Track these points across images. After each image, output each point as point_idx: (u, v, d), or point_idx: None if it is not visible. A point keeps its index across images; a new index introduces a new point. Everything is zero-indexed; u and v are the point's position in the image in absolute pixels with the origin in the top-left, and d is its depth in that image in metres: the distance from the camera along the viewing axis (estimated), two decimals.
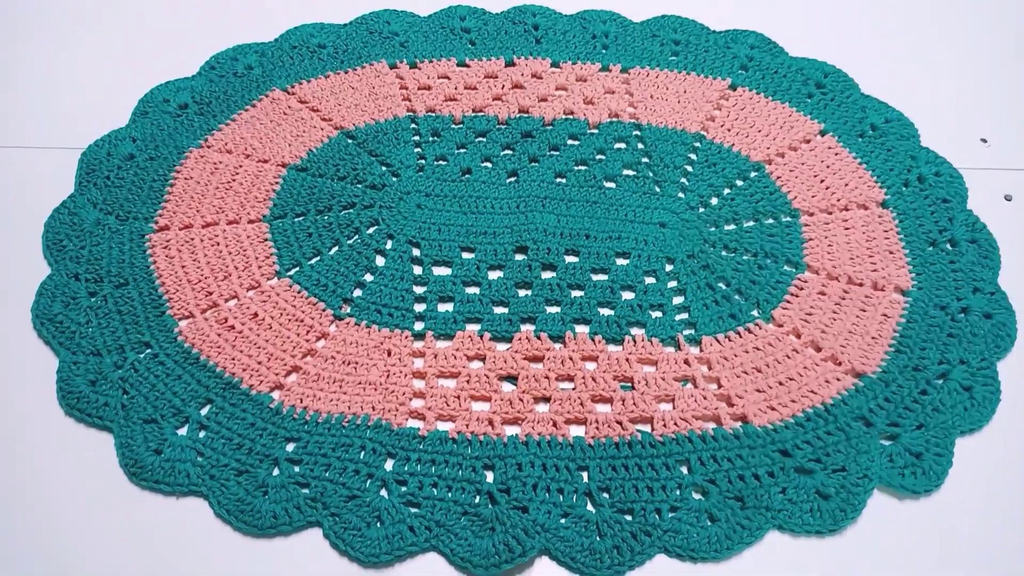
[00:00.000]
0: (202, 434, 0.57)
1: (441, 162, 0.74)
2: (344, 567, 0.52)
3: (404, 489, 0.54)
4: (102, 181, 0.71)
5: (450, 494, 0.54)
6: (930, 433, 0.58)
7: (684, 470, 0.56)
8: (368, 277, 0.66)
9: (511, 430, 0.58)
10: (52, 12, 0.88)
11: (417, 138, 0.76)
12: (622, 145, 0.77)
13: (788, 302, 0.65)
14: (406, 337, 0.62)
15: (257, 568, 0.52)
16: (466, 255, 0.68)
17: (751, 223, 0.71)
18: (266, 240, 0.67)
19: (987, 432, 0.59)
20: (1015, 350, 0.64)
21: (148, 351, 0.60)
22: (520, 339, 0.62)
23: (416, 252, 0.68)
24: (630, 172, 0.74)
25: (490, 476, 0.55)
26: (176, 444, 0.56)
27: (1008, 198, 0.75)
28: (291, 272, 0.66)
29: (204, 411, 0.58)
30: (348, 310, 0.64)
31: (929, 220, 0.71)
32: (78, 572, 0.51)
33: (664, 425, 0.58)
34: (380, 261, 0.67)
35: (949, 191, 0.73)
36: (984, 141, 0.80)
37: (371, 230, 0.69)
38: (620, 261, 0.68)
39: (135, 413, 0.57)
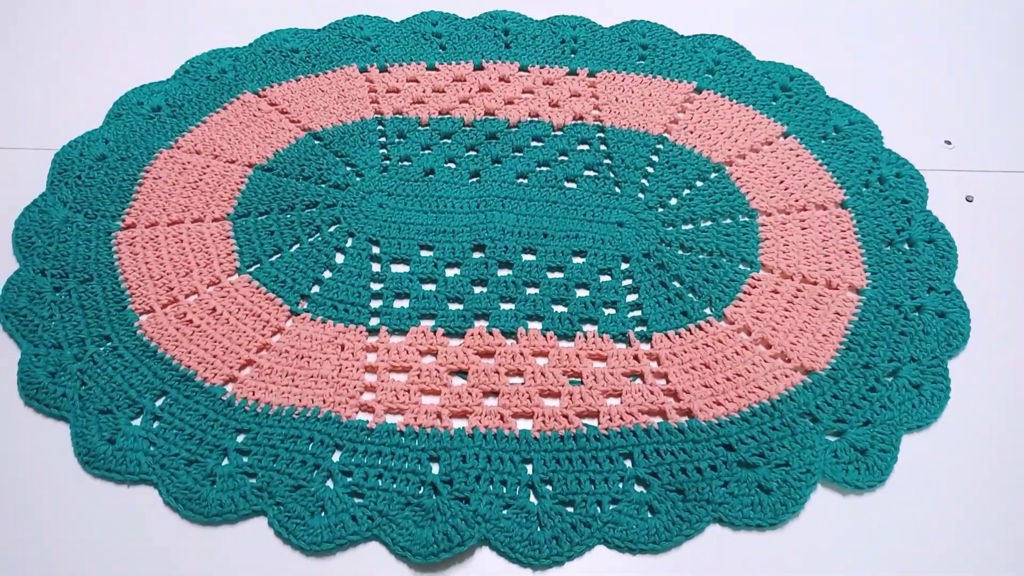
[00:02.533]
0: (155, 425, 0.58)
1: (405, 163, 0.76)
2: (287, 555, 0.53)
3: (349, 480, 0.55)
4: (73, 180, 0.73)
5: (394, 485, 0.55)
6: (876, 429, 0.58)
7: (627, 463, 0.56)
8: (327, 274, 0.67)
9: (458, 423, 0.58)
10: (30, 15, 0.91)
11: (383, 139, 0.78)
12: (585, 147, 0.78)
13: (740, 300, 0.66)
14: (360, 332, 0.63)
15: (203, 556, 0.53)
16: (424, 253, 0.69)
17: (708, 223, 0.71)
18: (228, 238, 0.69)
19: (935, 429, 0.59)
20: (967, 349, 0.64)
21: (108, 344, 0.62)
22: (472, 335, 0.63)
23: (375, 250, 0.69)
24: (591, 173, 0.75)
25: (435, 468, 0.56)
26: (129, 434, 0.57)
27: (969, 199, 0.75)
28: (251, 269, 0.67)
29: (159, 402, 0.59)
30: (305, 306, 0.65)
31: (887, 220, 0.72)
32: (28, 555, 0.53)
33: (610, 419, 0.58)
34: (340, 259, 0.69)
35: (909, 192, 0.74)
36: (948, 143, 0.80)
37: (332, 228, 0.71)
38: (576, 259, 0.69)
39: (91, 404, 0.58)
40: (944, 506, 0.56)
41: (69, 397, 0.59)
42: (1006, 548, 0.54)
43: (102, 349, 0.61)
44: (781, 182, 0.74)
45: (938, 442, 0.59)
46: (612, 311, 0.65)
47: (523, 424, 0.59)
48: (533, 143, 0.78)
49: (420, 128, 0.79)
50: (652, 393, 0.60)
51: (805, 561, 0.53)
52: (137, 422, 0.58)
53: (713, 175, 0.75)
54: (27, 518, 0.54)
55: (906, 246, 0.70)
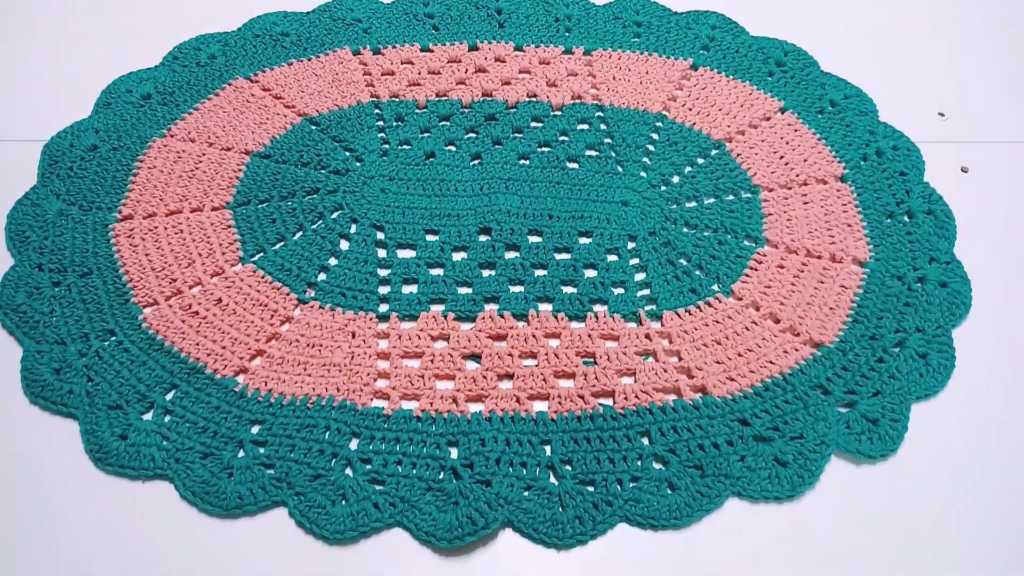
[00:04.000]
0: (167, 419, 0.57)
1: (405, 146, 0.75)
2: (310, 544, 0.52)
3: (369, 467, 0.55)
4: (65, 172, 0.71)
5: (414, 471, 0.55)
6: (886, 399, 0.59)
7: (645, 441, 0.57)
8: (332, 261, 0.67)
9: (475, 407, 0.58)
10: (14, 3, 0.88)
11: (381, 123, 0.77)
12: (585, 126, 0.77)
13: (747, 276, 0.66)
14: (370, 319, 0.63)
15: (224, 548, 0.52)
16: (430, 237, 0.68)
17: (711, 200, 0.72)
18: (229, 227, 0.68)
19: (942, 397, 0.61)
20: (969, 317, 0.65)
21: (113, 339, 0.61)
22: (484, 318, 0.63)
23: (380, 235, 0.68)
24: (593, 153, 0.75)
25: (454, 452, 0.56)
26: (141, 429, 0.56)
27: (964, 170, 0.76)
28: (255, 258, 0.66)
29: (169, 396, 0.58)
30: (312, 294, 0.64)
31: (887, 193, 0.72)
32: (45, 558, 0.52)
33: (625, 398, 0.58)
34: (344, 245, 0.68)
35: (906, 164, 0.75)
36: (942, 115, 0.81)
37: (335, 215, 0.70)
38: (583, 240, 0.69)
39: (100, 400, 0.57)
40: (955, 472, 0.57)
41: (76, 394, 0.57)
42: (1017, 511, 0.55)
43: (107, 344, 0.60)
44: (781, 157, 0.75)
45: (946, 409, 0.60)
46: (621, 290, 0.65)
47: (539, 406, 0.59)
48: (533, 124, 0.77)
49: (418, 111, 0.78)
50: (666, 371, 0.60)
51: (823, 531, 0.54)
52: (148, 417, 0.57)
53: (714, 152, 0.75)
54: (41, 518, 0.53)
55: (906, 218, 0.71)
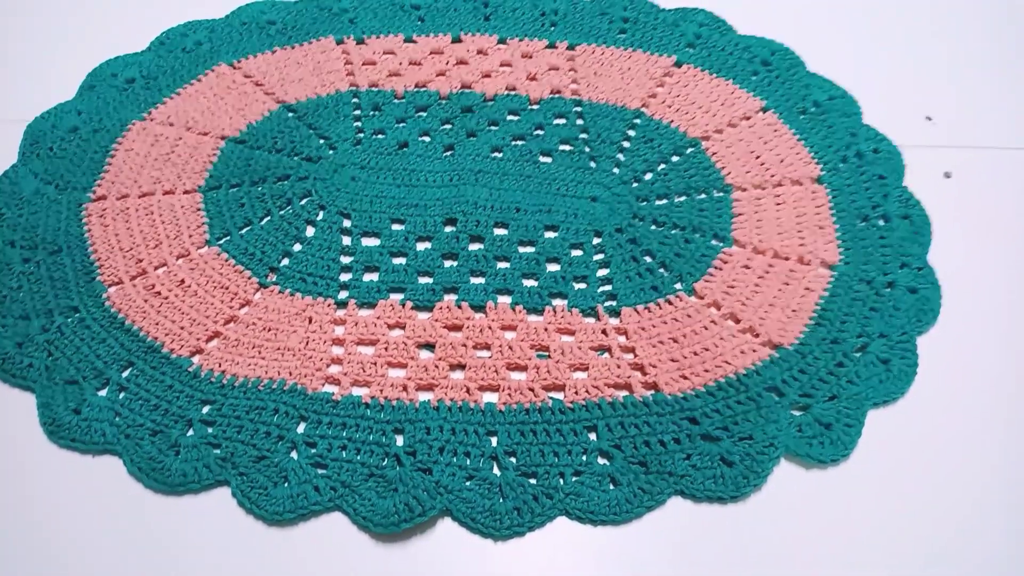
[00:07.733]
0: (121, 396, 0.58)
1: (379, 135, 0.75)
2: (250, 525, 0.53)
3: (313, 451, 0.55)
4: (45, 152, 0.72)
5: (358, 456, 0.55)
6: (842, 404, 0.58)
7: (592, 436, 0.56)
8: (297, 247, 0.67)
9: (424, 396, 0.59)
10: None
11: (358, 112, 0.77)
12: (561, 121, 0.77)
13: (711, 275, 0.65)
14: (329, 305, 0.63)
15: (167, 524, 0.53)
16: (396, 226, 0.69)
17: (682, 198, 0.71)
18: (199, 210, 0.69)
19: (902, 405, 0.59)
20: (938, 325, 0.63)
21: (76, 315, 0.62)
22: (441, 308, 0.63)
23: (346, 223, 0.69)
24: (567, 147, 0.75)
25: (400, 439, 0.56)
26: (95, 404, 0.57)
27: (947, 175, 0.75)
28: (220, 241, 0.67)
29: (125, 374, 0.59)
30: (274, 278, 0.65)
31: (863, 196, 0.71)
32: None
33: (575, 392, 0.58)
34: (310, 231, 0.68)
35: (886, 168, 0.73)
36: (929, 119, 0.79)
37: (303, 201, 0.70)
38: (548, 234, 0.68)
39: (58, 375, 0.58)
40: (907, 480, 0.56)
41: (35, 367, 0.59)
42: (966, 522, 0.54)
43: (70, 320, 0.61)
44: (758, 157, 0.74)
45: (904, 417, 0.59)
46: (582, 285, 0.65)
47: (489, 397, 0.59)
48: (509, 117, 0.77)
49: (395, 101, 0.78)
50: (619, 367, 0.60)
51: (766, 533, 0.53)
52: (103, 393, 0.58)
53: (689, 150, 0.75)
54: None
55: (881, 222, 0.69)
